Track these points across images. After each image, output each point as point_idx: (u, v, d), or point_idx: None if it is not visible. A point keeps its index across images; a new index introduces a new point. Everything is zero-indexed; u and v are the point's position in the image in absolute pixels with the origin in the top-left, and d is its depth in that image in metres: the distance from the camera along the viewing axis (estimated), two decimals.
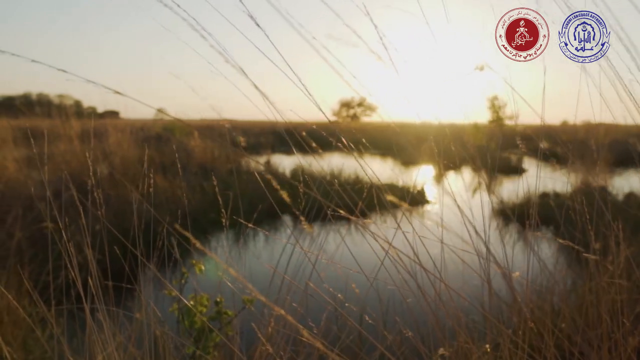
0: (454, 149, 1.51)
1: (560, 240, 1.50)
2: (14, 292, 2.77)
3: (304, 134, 1.22)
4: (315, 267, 1.47)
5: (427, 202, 8.41)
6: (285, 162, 10.79)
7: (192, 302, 2.01)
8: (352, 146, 1.31)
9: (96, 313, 1.60)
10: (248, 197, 4.35)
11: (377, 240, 1.24)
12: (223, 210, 1.56)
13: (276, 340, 1.55)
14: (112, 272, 1.70)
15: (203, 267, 2.20)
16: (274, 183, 1.09)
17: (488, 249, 1.30)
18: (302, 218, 1.21)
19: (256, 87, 1.12)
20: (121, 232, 1.88)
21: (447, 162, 1.49)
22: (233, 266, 2.14)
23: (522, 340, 1.45)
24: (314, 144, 1.26)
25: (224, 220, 1.47)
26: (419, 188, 8.58)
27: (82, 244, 1.75)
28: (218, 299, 2.10)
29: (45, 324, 2.46)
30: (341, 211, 1.21)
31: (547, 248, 4.36)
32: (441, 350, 1.74)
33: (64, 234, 1.43)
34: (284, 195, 1.07)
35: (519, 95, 1.47)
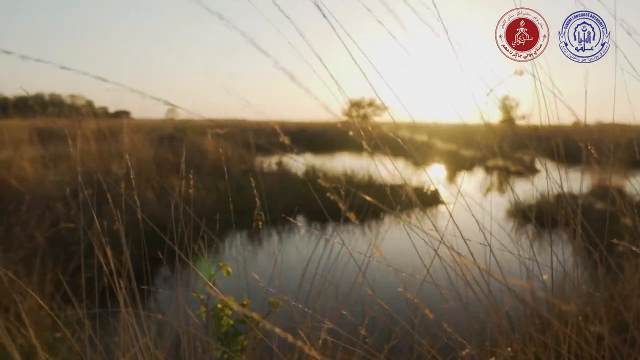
0: (496, 150, 1.47)
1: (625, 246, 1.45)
2: (37, 293, 2.76)
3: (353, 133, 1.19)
4: (362, 270, 1.44)
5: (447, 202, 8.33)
6: (296, 163, 10.77)
7: (220, 305, 1.98)
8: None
9: (125, 315, 1.58)
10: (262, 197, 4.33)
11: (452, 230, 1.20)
12: (261, 211, 1.53)
13: (316, 345, 1.52)
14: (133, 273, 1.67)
15: (230, 269, 2.17)
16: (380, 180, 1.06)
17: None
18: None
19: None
20: (138, 233, 1.87)
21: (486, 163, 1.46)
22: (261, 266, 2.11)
23: (566, 345, 1.41)
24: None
25: (260, 222, 1.44)
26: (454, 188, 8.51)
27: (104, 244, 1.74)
28: (244, 302, 2.07)
29: (70, 326, 2.44)
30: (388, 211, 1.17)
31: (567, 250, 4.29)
32: (466, 351, 1.71)
33: (101, 236, 1.40)
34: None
35: (559, 98, 1.44)
